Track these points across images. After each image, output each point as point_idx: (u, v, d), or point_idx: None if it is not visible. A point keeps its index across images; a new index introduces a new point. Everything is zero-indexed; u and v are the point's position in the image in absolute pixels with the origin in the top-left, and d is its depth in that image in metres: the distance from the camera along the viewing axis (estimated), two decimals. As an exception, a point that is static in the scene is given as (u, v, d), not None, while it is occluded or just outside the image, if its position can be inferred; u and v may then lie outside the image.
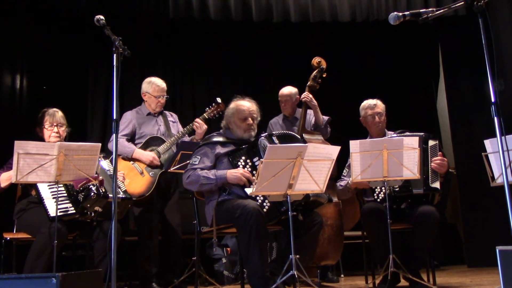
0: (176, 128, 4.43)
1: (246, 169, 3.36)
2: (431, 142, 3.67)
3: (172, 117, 4.51)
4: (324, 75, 4.74)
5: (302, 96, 4.65)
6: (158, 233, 4.24)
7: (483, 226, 5.37)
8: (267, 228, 3.24)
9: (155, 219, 4.20)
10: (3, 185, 3.47)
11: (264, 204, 3.25)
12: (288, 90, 4.82)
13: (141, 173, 4.13)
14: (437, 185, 3.59)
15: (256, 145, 3.40)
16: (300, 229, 3.32)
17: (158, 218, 4.23)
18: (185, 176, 3.47)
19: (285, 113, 4.87)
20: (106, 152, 3.96)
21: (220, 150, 3.50)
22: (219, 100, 4.34)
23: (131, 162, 4.18)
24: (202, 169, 3.42)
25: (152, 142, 4.24)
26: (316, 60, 4.75)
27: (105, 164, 3.64)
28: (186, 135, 4.32)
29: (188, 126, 4.28)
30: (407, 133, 3.69)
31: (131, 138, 4.29)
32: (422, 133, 3.67)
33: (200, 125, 4.22)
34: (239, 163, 3.40)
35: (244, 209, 3.12)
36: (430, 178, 3.57)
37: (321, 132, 4.63)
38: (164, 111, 4.47)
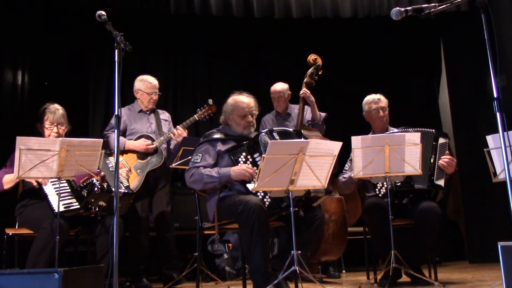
0: (168, 126, 4.44)
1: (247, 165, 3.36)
2: (441, 140, 3.67)
3: (164, 115, 4.52)
4: (320, 72, 4.73)
5: (301, 92, 4.64)
6: (147, 231, 4.25)
7: (485, 222, 5.37)
8: (269, 224, 3.24)
9: (143, 217, 4.20)
10: (6, 187, 3.48)
11: (265, 200, 3.24)
12: (280, 86, 4.81)
13: (129, 170, 4.12)
14: (441, 182, 3.59)
15: (257, 141, 3.40)
16: (302, 224, 3.32)
17: (146, 215, 4.23)
18: (188, 175, 3.45)
19: (278, 109, 4.86)
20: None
21: (221, 147, 3.49)
22: (210, 101, 4.40)
23: (121, 159, 4.16)
24: (204, 167, 3.41)
25: (141, 138, 4.25)
26: (312, 57, 4.75)
27: (112, 161, 3.62)
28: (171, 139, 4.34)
29: (170, 132, 4.30)
30: (420, 130, 3.66)
31: (122, 134, 4.30)
32: (433, 130, 3.68)
33: (177, 135, 4.24)
34: (240, 159, 3.40)
35: (246, 204, 3.12)
36: (435, 175, 3.57)
37: (318, 129, 4.63)
38: (157, 109, 4.49)
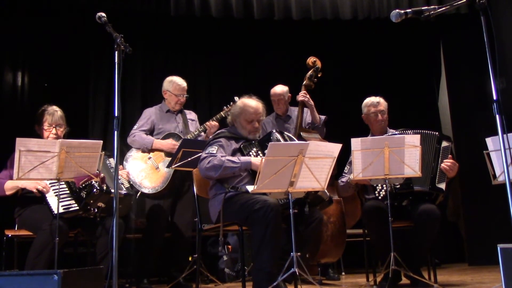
0: (195, 126, 4.48)
1: None
2: (444, 143, 3.66)
3: (191, 115, 4.57)
4: (319, 75, 4.73)
5: (300, 95, 4.63)
6: (163, 233, 4.26)
7: (484, 224, 5.37)
8: (282, 227, 3.23)
9: (163, 218, 4.22)
10: (8, 193, 3.49)
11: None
12: (280, 88, 4.81)
13: (157, 168, 4.19)
14: (442, 186, 3.59)
15: (269, 139, 3.44)
16: (300, 224, 3.32)
17: (166, 217, 4.25)
18: (204, 162, 3.39)
19: (278, 112, 4.85)
20: (107, 147, 3.97)
21: (235, 145, 3.54)
22: (236, 99, 4.38)
23: (148, 157, 4.23)
24: (222, 156, 3.41)
25: (170, 137, 4.30)
26: (311, 59, 4.75)
27: (113, 162, 3.63)
28: (202, 133, 4.37)
29: (203, 125, 4.35)
30: (421, 132, 3.66)
31: (150, 133, 4.36)
32: (436, 132, 3.67)
33: (212, 126, 4.31)
34: (251, 154, 3.45)
35: (264, 202, 3.12)
36: (437, 178, 3.57)
37: (318, 131, 4.63)
38: (184, 110, 4.53)
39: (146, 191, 4.15)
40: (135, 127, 4.37)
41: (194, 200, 3.71)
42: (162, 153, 4.27)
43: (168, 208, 4.25)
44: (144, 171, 4.19)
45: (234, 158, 3.38)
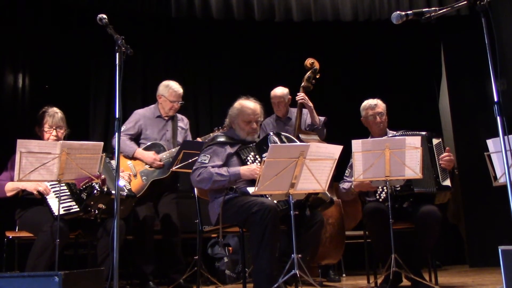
0: (183, 135, 4.37)
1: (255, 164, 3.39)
2: (435, 141, 3.66)
3: (182, 122, 4.43)
4: (317, 76, 4.73)
5: (298, 97, 4.63)
6: (152, 233, 4.21)
7: (485, 226, 5.37)
8: (280, 229, 3.23)
9: (149, 219, 4.16)
10: (8, 194, 3.48)
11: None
12: (280, 91, 4.80)
13: (134, 175, 4.09)
14: (448, 182, 3.58)
15: (266, 142, 3.42)
16: (301, 227, 3.32)
17: (152, 218, 4.19)
18: (195, 174, 3.42)
19: (278, 114, 4.84)
20: (107, 149, 3.94)
21: (230, 150, 3.51)
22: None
23: (129, 162, 4.15)
24: (212, 167, 3.41)
25: (153, 148, 4.20)
26: (309, 61, 4.74)
27: (115, 164, 3.62)
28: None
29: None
30: (409, 133, 3.68)
31: (137, 137, 4.25)
32: (424, 132, 3.67)
33: None
34: (248, 159, 3.44)
35: (262, 205, 3.12)
36: (440, 176, 3.56)
37: (317, 133, 4.62)
38: (177, 115, 4.40)
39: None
40: (121, 129, 4.29)
41: (195, 201, 3.71)
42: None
43: (152, 212, 4.18)
44: (120, 176, 4.10)
45: (223, 171, 3.36)
